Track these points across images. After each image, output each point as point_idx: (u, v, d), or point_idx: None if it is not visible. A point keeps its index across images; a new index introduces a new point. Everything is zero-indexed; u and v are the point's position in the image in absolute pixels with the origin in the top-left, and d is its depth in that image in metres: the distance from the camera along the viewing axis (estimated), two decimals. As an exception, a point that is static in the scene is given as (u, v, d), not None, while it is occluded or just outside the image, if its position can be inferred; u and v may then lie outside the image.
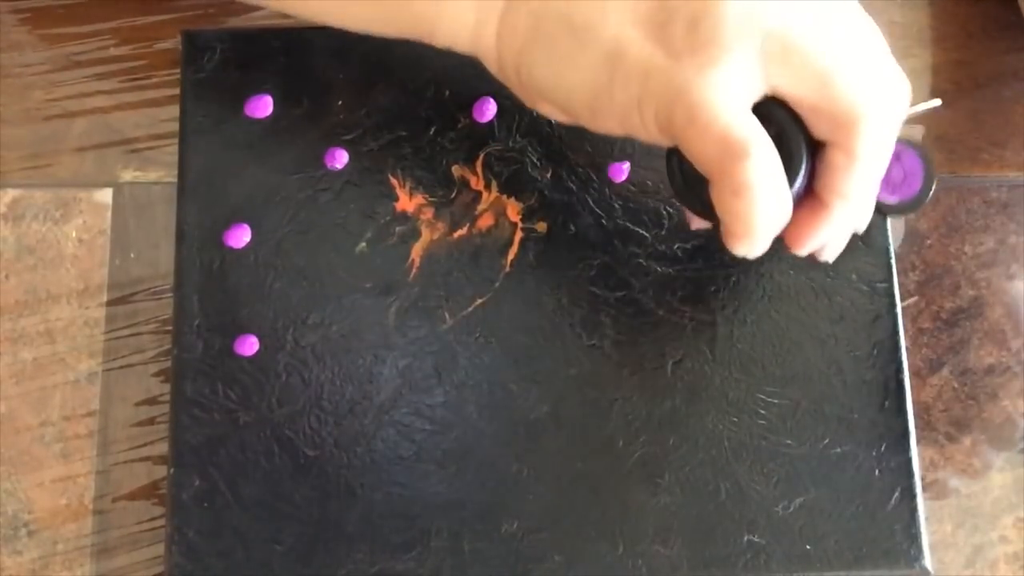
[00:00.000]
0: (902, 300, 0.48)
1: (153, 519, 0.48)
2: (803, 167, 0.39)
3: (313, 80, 0.48)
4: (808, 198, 0.40)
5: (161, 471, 0.48)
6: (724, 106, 0.36)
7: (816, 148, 0.40)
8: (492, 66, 0.42)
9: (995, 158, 0.52)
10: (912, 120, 0.52)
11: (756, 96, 0.38)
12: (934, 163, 0.45)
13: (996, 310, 0.51)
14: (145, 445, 0.48)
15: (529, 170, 0.48)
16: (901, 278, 0.50)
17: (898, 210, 0.45)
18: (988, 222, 0.52)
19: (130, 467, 0.48)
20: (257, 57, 0.48)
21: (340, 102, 0.48)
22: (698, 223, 0.44)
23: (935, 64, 0.53)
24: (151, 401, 0.49)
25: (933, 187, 0.45)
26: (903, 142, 0.44)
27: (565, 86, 0.39)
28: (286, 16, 0.50)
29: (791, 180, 0.39)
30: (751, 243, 0.39)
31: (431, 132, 0.48)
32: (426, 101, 0.48)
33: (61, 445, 0.48)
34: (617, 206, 0.47)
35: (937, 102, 0.49)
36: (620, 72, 0.38)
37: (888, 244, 0.47)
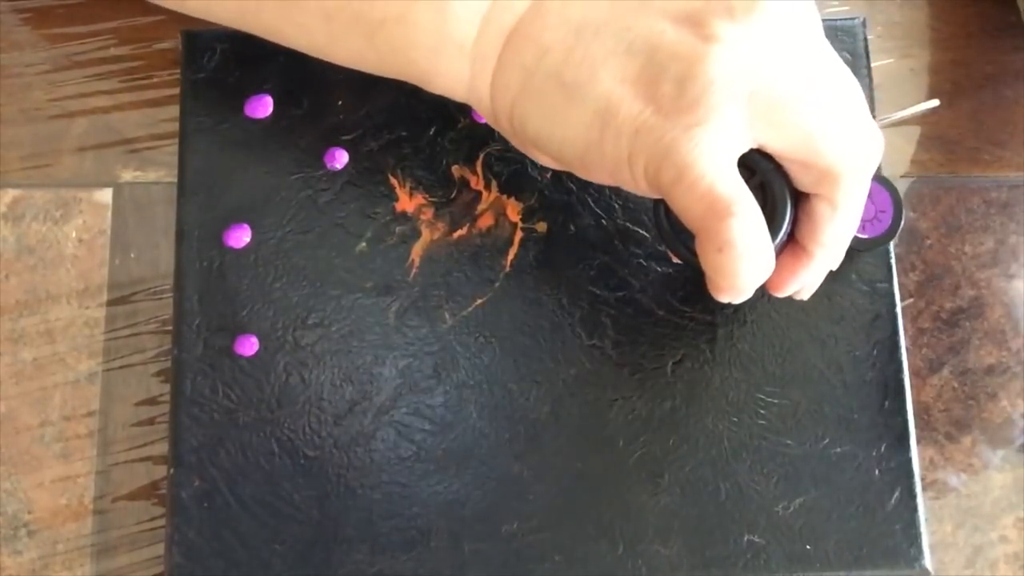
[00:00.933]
0: (902, 300, 0.48)
1: (153, 519, 0.48)
2: (787, 218, 0.40)
3: (313, 80, 0.48)
4: (790, 245, 0.41)
5: (161, 471, 0.48)
6: (710, 166, 0.37)
7: (799, 197, 0.41)
8: (487, 116, 0.42)
9: (995, 158, 0.52)
10: (912, 120, 0.52)
11: (742, 151, 0.38)
12: (901, 197, 0.46)
13: (996, 310, 0.51)
14: (145, 445, 0.48)
15: (529, 170, 0.48)
16: (901, 278, 0.50)
17: (870, 245, 0.46)
18: (988, 222, 0.52)
19: (130, 467, 0.48)
20: (257, 57, 0.48)
21: (340, 102, 0.48)
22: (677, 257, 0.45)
23: (935, 64, 0.53)
24: (151, 401, 0.49)
25: (903, 221, 0.46)
26: (873, 180, 0.45)
27: (557, 139, 0.40)
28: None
29: (776, 230, 0.40)
30: (735, 295, 0.39)
31: (431, 132, 0.48)
32: (426, 101, 0.48)
33: (61, 445, 0.48)
34: (617, 206, 0.47)
35: (935, 102, 0.49)
36: (611, 129, 0.38)
37: (888, 244, 0.47)
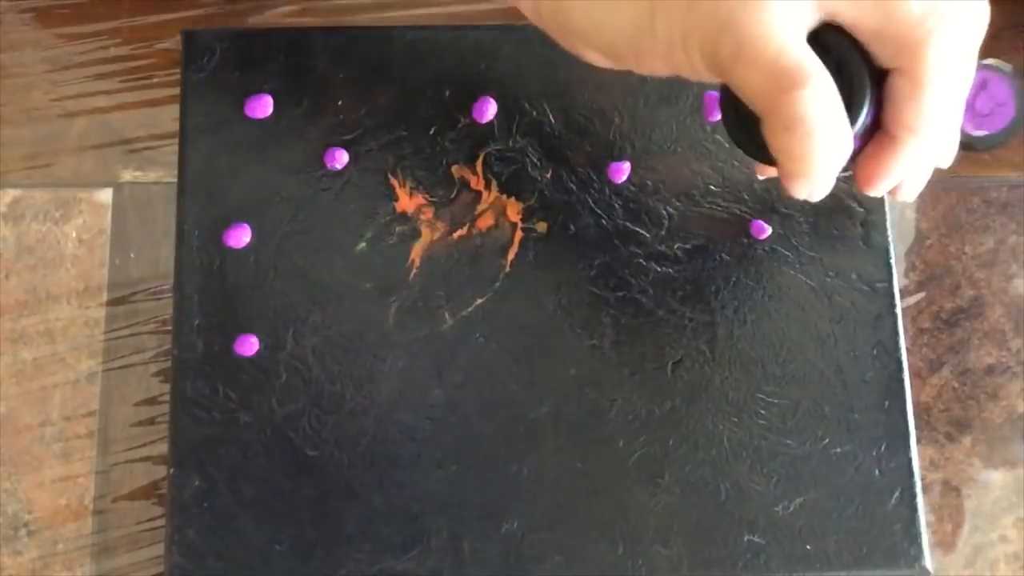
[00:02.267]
0: (902, 300, 0.48)
1: (153, 519, 0.48)
2: (867, 98, 0.36)
3: (313, 80, 0.48)
4: (878, 132, 0.37)
5: (161, 471, 0.48)
6: (773, 35, 0.34)
7: (882, 77, 0.36)
8: (530, 14, 0.40)
9: (995, 158, 0.52)
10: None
11: (810, 24, 0.35)
12: None
13: (996, 310, 0.51)
14: (145, 445, 0.48)
15: (529, 170, 0.48)
16: (901, 278, 0.50)
17: (986, 144, 0.41)
18: (988, 222, 0.52)
19: (130, 467, 0.48)
20: (257, 57, 0.48)
21: (340, 102, 0.48)
22: (764, 171, 0.42)
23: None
24: (151, 401, 0.49)
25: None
26: (990, 68, 0.40)
27: (605, 29, 0.37)
28: (288, 16, 0.50)
29: (855, 113, 0.36)
30: (810, 183, 0.36)
31: (431, 132, 0.48)
32: (426, 101, 0.48)
33: (61, 445, 0.48)
34: (617, 206, 0.47)
35: None
36: (661, 8, 0.36)
37: (888, 244, 0.47)
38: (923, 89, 0.35)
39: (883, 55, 0.36)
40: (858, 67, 0.36)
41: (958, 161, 0.39)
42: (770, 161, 0.37)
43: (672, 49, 0.36)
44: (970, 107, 0.38)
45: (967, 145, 0.38)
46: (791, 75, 0.34)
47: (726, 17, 0.34)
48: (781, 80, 0.34)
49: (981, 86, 0.39)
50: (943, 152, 0.38)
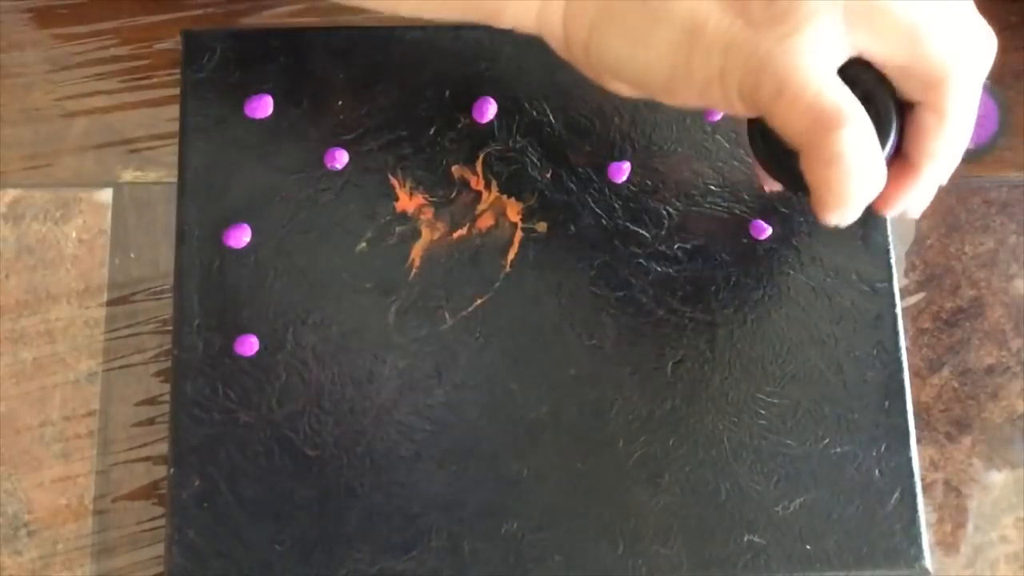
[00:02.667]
0: (902, 300, 0.48)
1: (153, 519, 0.48)
2: (893, 131, 0.38)
3: (313, 80, 0.48)
4: (896, 159, 0.39)
5: (161, 471, 0.48)
6: (812, 75, 0.35)
7: (904, 108, 0.38)
8: (558, 46, 0.41)
9: (995, 158, 0.52)
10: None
11: (842, 60, 0.37)
12: (1005, 104, 0.43)
13: (996, 310, 0.51)
14: (145, 445, 0.48)
15: (529, 170, 0.48)
16: (901, 278, 0.50)
17: (973, 155, 0.43)
18: (988, 222, 0.52)
19: (130, 467, 0.48)
20: (257, 57, 0.48)
21: (340, 102, 0.48)
22: (771, 184, 0.44)
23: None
24: (151, 401, 0.49)
25: (1005, 128, 0.43)
26: None
27: (640, 64, 0.38)
28: (288, 16, 0.50)
29: (882, 144, 0.38)
30: (844, 212, 0.37)
31: (431, 132, 0.48)
32: (426, 101, 0.48)
33: (61, 445, 0.48)
34: (617, 206, 0.47)
35: None
36: (699, 46, 0.37)
37: (888, 244, 0.47)
38: (947, 122, 0.37)
39: (909, 89, 0.37)
40: (885, 101, 0.38)
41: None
42: (798, 188, 0.38)
43: (708, 86, 0.37)
44: None
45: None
46: (832, 114, 0.35)
47: (765, 58, 0.35)
48: (822, 119, 0.35)
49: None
50: (948, 172, 0.40)
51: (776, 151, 0.39)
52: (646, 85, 0.39)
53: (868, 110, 0.37)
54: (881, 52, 0.37)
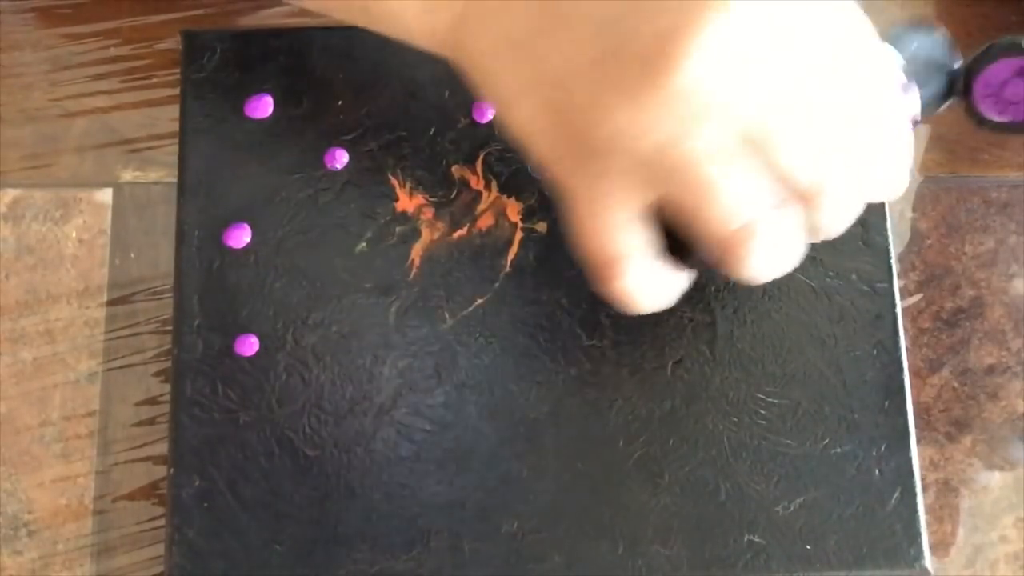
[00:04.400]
0: (902, 300, 0.48)
1: (153, 519, 0.48)
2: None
3: (313, 80, 0.48)
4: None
5: (161, 471, 0.48)
6: (597, 223, 0.37)
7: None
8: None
9: (995, 158, 0.52)
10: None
11: (646, 201, 0.36)
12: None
13: (996, 310, 0.51)
14: (145, 445, 0.48)
15: (529, 170, 0.48)
16: (901, 278, 0.50)
17: (1011, 129, 0.40)
18: (988, 222, 0.52)
19: (130, 467, 0.48)
20: (257, 57, 0.48)
21: (340, 102, 0.48)
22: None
23: (935, 64, 0.53)
24: (151, 401, 0.49)
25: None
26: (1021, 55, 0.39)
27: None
28: (288, 16, 0.50)
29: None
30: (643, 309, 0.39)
31: (431, 132, 0.48)
32: (426, 101, 0.48)
33: (61, 445, 0.49)
34: (617, 206, 0.47)
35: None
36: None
37: (888, 244, 0.47)
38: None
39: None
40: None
41: (959, 160, 0.40)
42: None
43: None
44: (999, 94, 0.38)
45: (995, 128, 0.38)
46: (609, 265, 0.37)
47: (565, 190, 0.37)
48: (601, 270, 0.37)
49: (1018, 73, 0.38)
50: (886, 190, 0.38)
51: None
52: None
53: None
54: (674, 203, 0.36)
